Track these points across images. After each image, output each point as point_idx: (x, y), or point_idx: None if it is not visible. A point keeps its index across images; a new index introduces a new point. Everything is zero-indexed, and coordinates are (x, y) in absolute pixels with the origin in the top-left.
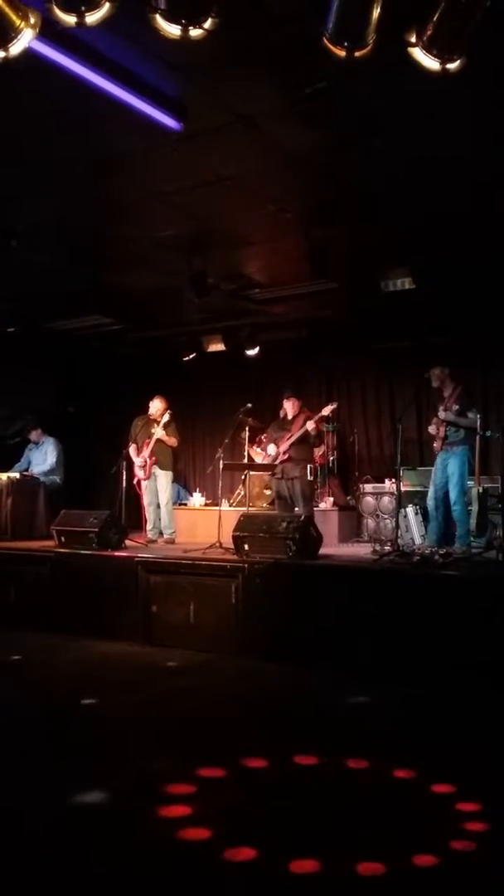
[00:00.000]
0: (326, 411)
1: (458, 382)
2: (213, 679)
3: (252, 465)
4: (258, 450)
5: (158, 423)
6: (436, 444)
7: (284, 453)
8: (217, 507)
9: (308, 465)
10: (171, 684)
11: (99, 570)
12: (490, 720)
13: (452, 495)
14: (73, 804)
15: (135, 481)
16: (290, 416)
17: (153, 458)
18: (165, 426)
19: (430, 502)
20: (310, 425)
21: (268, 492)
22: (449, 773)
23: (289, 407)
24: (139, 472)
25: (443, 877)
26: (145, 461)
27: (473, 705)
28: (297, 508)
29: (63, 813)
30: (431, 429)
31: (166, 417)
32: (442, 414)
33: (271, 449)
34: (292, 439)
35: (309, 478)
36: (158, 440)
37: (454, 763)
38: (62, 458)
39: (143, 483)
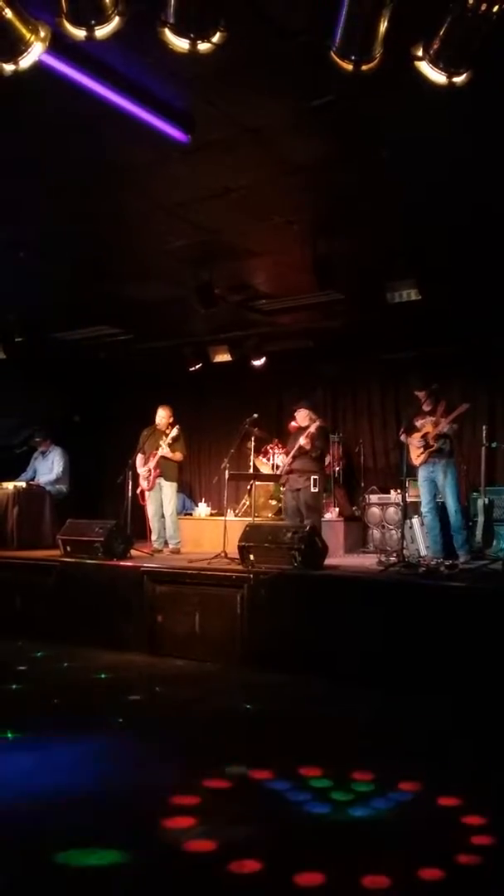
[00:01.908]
0: (313, 429)
1: (439, 397)
2: (218, 689)
3: (258, 475)
4: (264, 460)
5: (166, 435)
6: (419, 457)
7: (288, 465)
8: (222, 517)
9: (312, 477)
10: (175, 695)
11: (104, 580)
12: (495, 730)
13: (453, 505)
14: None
15: (138, 491)
16: (302, 427)
17: (157, 470)
18: (173, 440)
19: (428, 515)
20: (301, 441)
21: (273, 502)
22: (455, 786)
23: (300, 417)
24: (143, 483)
25: (449, 891)
26: (150, 472)
27: (479, 715)
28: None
29: (65, 822)
30: (416, 441)
31: (175, 432)
32: (445, 427)
33: (279, 459)
34: (292, 452)
35: (314, 489)
36: (163, 455)
37: (460, 775)
38: (69, 468)
39: (147, 494)
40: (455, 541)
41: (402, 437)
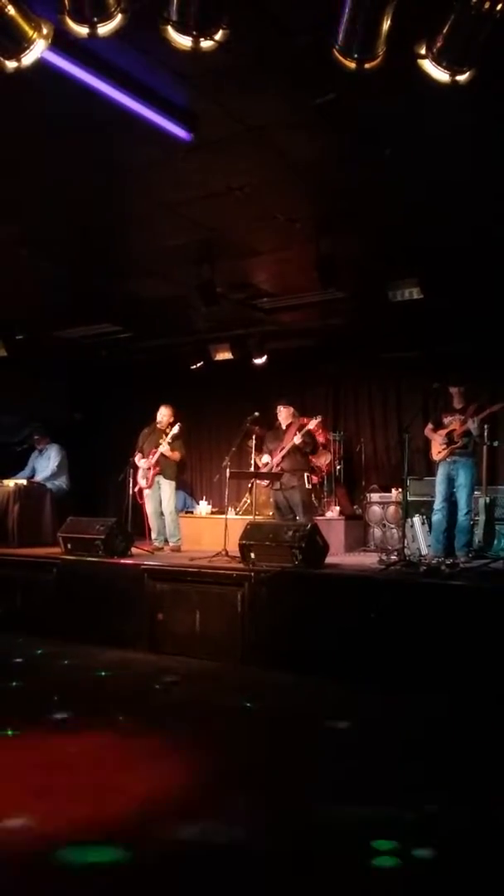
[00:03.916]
0: (312, 425)
1: (471, 395)
2: (218, 688)
3: (258, 474)
4: (265, 458)
5: (166, 433)
6: (441, 453)
7: (278, 465)
8: (223, 516)
9: (305, 475)
10: (175, 693)
11: (105, 578)
12: (492, 730)
13: (465, 505)
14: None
15: (136, 490)
16: (283, 426)
17: (156, 469)
18: (173, 439)
19: (438, 513)
20: (297, 439)
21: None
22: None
23: (282, 416)
24: (141, 481)
25: None
26: (149, 470)
27: (476, 714)
28: (297, 518)
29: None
30: (440, 438)
31: (175, 430)
32: (473, 425)
33: (265, 459)
34: (284, 451)
35: (307, 487)
36: (162, 453)
37: (457, 774)
38: (66, 464)
39: (146, 492)
40: (457, 541)
41: (427, 432)
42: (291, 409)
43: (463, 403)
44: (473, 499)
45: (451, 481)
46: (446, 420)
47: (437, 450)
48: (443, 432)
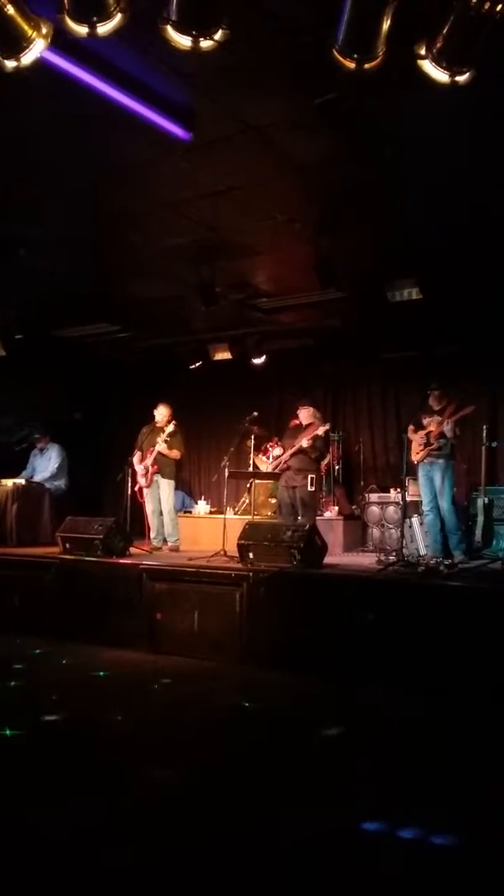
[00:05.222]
0: (320, 431)
1: (449, 397)
2: (217, 687)
3: (257, 474)
4: (264, 458)
5: (164, 431)
6: (419, 454)
7: (285, 462)
8: (222, 516)
9: (310, 476)
10: (174, 693)
11: (103, 578)
12: (489, 729)
13: (447, 506)
14: (76, 815)
15: (136, 489)
16: (303, 425)
17: (155, 467)
18: (169, 436)
19: (430, 514)
20: (304, 443)
21: (273, 500)
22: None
23: (302, 415)
24: (140, 480)
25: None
26: (147, 469)
27: (474, 715)
28: (299, 517)
29: (64, 828)
30: (419, 438)
31: (170, 428)
32: (447, 427)
33: (277, 452)
34: (292, 450)
35: (310, 488)
36: (160, 452)
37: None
38: (66, 464)
39: (145, 491)
40: (450, 542)
41: (409, 433)
42: (312, 410)
43: (440, 405)
44: (472, 499)
45: (433, 482)
46: (425, 421)
47: (415, 451)
48: (421, 433)
